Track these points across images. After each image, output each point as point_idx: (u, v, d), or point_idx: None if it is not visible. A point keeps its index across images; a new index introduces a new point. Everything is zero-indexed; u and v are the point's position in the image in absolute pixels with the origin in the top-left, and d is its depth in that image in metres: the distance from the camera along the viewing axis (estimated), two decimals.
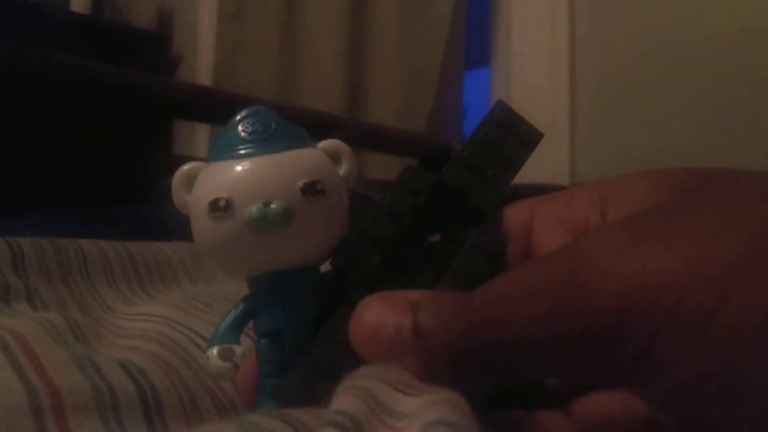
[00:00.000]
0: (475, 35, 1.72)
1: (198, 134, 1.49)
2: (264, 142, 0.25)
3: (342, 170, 0.26)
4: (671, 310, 0.19)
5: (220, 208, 0.24)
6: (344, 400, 0.18)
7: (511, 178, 0.29)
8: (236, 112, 0.26)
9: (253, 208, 0.24)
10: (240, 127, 0.26)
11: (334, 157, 0.26)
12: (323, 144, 0.26)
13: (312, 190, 0.25)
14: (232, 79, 1.52)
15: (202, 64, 1.60)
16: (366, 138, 1.17)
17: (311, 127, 0.27)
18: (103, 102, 0.96)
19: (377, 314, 0.22)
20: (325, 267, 0.27)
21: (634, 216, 0.22)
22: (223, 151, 0.25)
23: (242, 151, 0.25)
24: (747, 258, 0.19)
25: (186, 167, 0.26)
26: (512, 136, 0.29)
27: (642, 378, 0.20)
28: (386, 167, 1.38)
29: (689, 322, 0.19)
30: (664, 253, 0.19)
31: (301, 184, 0.24)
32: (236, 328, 0.26)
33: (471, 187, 0.28)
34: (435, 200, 0.27)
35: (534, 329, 0.20)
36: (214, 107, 0.99)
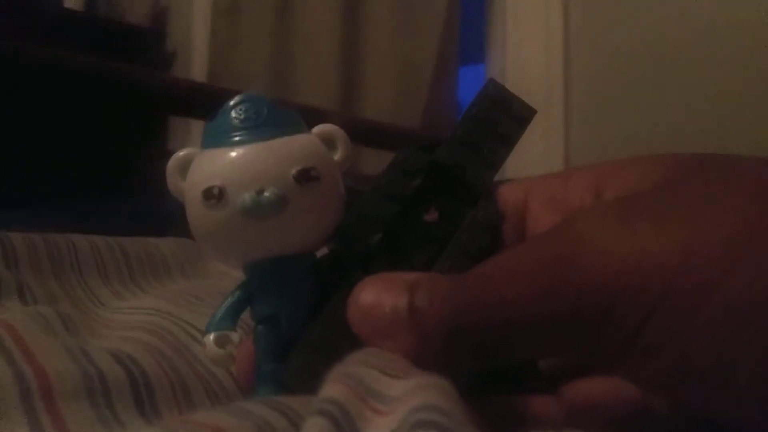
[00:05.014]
0: (470, 31, 1.71)
1: (193, 130, 1.48)
2: (257, 128, 0.25)
3: (337, 156, 0.26)
4: (664, 292, 0.18)
5: (214, 196, 0.24)
6: (332, 387, 0.18)
7: (506, 155, 0.29)
8: None
9: (246, 197, 0.24)
10: (233, 114, 0.25)
11: (329, 143, 0.26)
12: (318, 129, 0.26)
13: (306, 177, 0.24)
14: (227, 75, 1.52)
15: (196, 60, 1.59)
16: (360, 133, 1.17)
17: (305, 122, 0.27)
18: (98, 98, 0.96)
19: (374, 294, 0.23)
20: (321, 252, 0.27)
21: (627, 197, 0.22)
22: (216, 138, 0.25)
23: (235, 138, 0.25)
24: (743, 239, 0.18)
25: (181, 154, 0.26)
26: (505, 113, 0.29)
27: (633, 360, 0.20)
28: (381, 163, 1.37)
29: (683, 303, 0.18)
30: (658, 233, 0.19)
31: (294, 171, 0.24)
32: (232, 315, 0.26)
33: (466, 165, 0.28)
34: (431, 180, 0.27)
35: (524, 309, 0.20)
36: (209, 103, 0.98)
